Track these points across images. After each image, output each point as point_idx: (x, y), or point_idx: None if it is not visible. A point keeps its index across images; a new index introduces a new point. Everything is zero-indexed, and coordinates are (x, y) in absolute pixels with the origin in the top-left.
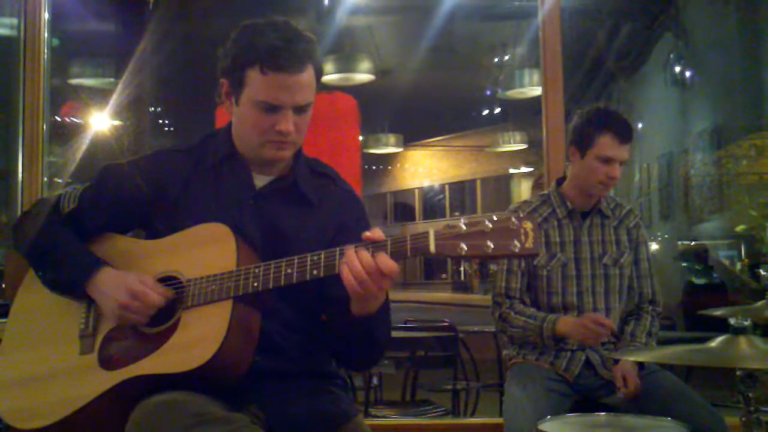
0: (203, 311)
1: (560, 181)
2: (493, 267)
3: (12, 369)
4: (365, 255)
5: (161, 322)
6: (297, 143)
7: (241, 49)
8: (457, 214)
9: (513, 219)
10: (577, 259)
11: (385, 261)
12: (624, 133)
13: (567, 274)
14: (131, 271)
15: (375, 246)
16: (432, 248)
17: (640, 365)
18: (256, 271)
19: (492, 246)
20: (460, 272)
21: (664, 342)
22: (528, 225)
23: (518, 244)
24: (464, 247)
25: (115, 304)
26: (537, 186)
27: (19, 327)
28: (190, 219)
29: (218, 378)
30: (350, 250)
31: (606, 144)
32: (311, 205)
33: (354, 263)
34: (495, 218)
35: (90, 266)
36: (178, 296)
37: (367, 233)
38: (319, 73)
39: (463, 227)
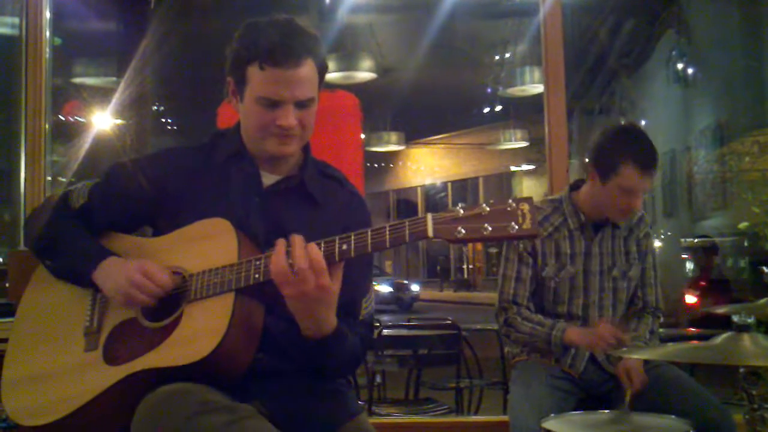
0: (206, 304)
1: (573, 186)
2: (495, 249)
3: (18, 367)
4: (312, 245)
5: (165, 317)
6: (302, 138)
7: (242, 46)
8: None
9: (510, 201)
10: (586, 271)
11: (311, 248)
12: (648, 162)
13: (575, 285)
14: None
15: (372, 233)
16: (430, 232)
17: (645, 360)
18: (257, 262)
19: (490, 228)
20: (463, 270)
21: (667, 339)
22: (525, 207)
23: (516, 226)
24: (462, 230)
25: (125, 282)
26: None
27: (26, 326)
28: (197, 216)
29: (221, 371)
30: (345, 242)
31: (629, 175)
32: (317, 205)
33: (278, 255)
34: (492, 202)
35: (97, 255)
36: (181, 290)
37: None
38: (322, 68)
39: (461, 211)
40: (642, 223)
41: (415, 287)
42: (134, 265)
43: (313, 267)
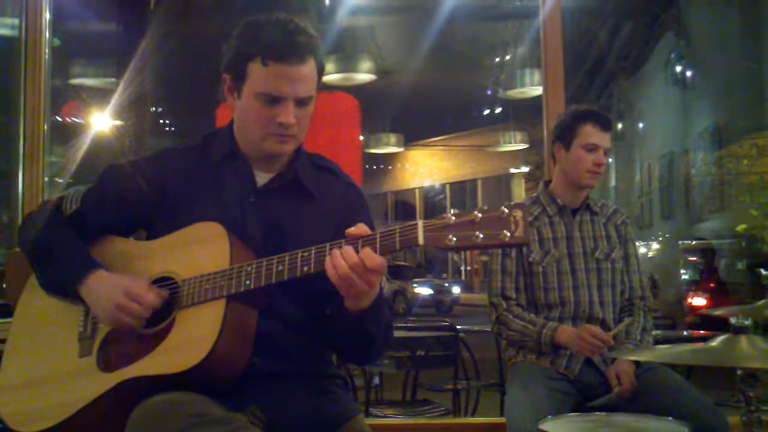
0: (197, 311)
1: (547, 184)
2: (486, 257)
3: (13, 373)
4: (349, 251)
5: (157, 323)
6: (298, 138)
7: (243, 42)
8: None
9: (502, 208)
10: (570, 254)
11: (370, 255)
12: (604, 120)
13: (562, 270)
14: (128, 272)
15: (363, 241)
16: (420, 240)
17: (637, 363)
18: (249, 269)
19: (481, 236)
20: (460, 271)
21: (665, 341)
22: (518, 213)
23: (508, 233)
24: (453, 238)
25: (110, 306)
26: (532, 180)
27: (21, 331)
28: (191, 218)
29: (215, 377)
30: (335, 248)
31: (589, 132)
32: (313, 198)
33: (337, 260)
34: (485, 208)
35: (83, 269)
36: (173, 296)
37: (351, 229)
38: (321, 68)
39: (452, 218)
40: (618, 212)
41: (455, 289)
42: (120, 288)
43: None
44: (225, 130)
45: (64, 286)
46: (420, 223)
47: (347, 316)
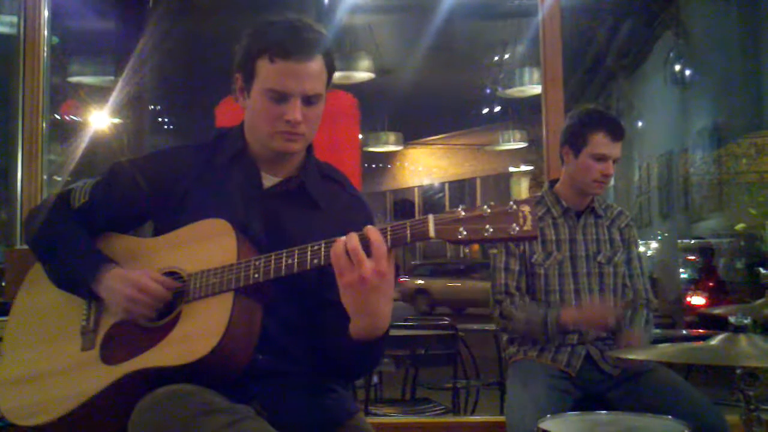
0: (204, 304)
1: (553, 183)
2: (495, 250)
3: (14, 367)
4: (352, 234)
5: (163, 316)
6: (307, 137)
7: (252, 40)
8: None
9: (511, 203)
10: (572, 256)
11: (372, 231)
12: (616, 131)
13: (564, 272)
14: (134, 269)
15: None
16: (431, 232)
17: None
18: (257, 262)
19: (491, 229)
20: None
21: (664, 340)
22: (526, 208)
23: (516, 227)
24: (463, 231)
25: (122, 299)
26: (534, 182)
27: (21, 325)
28: (196, 215)
29: (219, 371)
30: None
31: (599, 142)
32: (318, 208)
33: (337, 242)
34: (493, 203)
35: (96, 266)
36: (179, 290)
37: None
38: (331, 68)
39: (462, 213)
40: (622, 215)
41: None
42: (130, 281)
43: (371, 251)
44: (236, 130)
45: (77, 283)
46: (430, 216)
47: (348, 340)
